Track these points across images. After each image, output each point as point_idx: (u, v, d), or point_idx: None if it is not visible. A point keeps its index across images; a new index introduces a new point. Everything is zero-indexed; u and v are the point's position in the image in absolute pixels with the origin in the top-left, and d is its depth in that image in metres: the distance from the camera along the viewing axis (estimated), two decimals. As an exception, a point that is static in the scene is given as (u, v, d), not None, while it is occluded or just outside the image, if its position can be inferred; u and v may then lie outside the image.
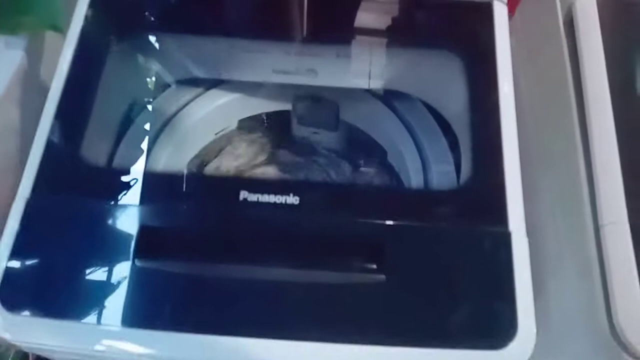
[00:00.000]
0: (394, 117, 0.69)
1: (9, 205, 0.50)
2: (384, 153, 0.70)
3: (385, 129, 0.69)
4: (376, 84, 0.67)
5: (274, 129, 0.74)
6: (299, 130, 0.73)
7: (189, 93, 0.70)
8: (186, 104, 0.71)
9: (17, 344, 0.47)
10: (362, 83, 0.67)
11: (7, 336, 0.45)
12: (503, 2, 0.60)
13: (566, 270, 0.55)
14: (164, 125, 0.68)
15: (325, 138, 0.72)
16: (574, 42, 0.61)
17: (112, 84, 0.59)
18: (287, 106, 0.72)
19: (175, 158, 0.68)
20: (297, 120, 0.72)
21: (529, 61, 0.71)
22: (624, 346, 0.46)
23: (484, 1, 0.60)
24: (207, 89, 0.71)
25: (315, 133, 0.73)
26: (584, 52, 0.59)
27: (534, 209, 0.52)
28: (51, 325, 0.45)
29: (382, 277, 0.46)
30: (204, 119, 0.72)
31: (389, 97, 0.68)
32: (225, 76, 0.69)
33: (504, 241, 0.48)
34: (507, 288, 0.46)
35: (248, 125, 0.74)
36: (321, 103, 0.70)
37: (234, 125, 0.73)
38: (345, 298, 0.46)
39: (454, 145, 0.59)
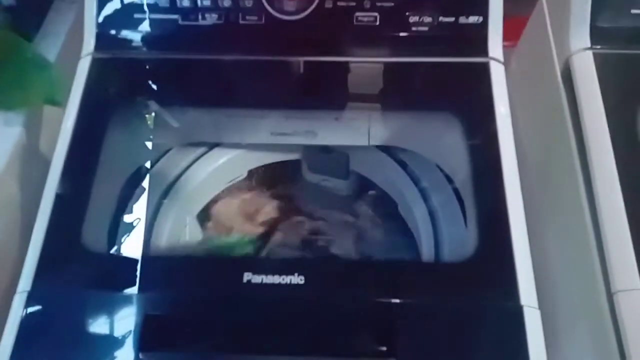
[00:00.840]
0: (401, 171, 0.68)
1: (11, 279, 0.49)
2: (394, 205, 0.69)
3: (394, 182, 0.69)
4: (376, 143, 0.66)
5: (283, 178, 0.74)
6: (310, 177, 0.73)
7: (190, 154, 0.70)
8: (189, 166, 0.70)
9: None
10: (362, 142, 0.67)
11: None
12: (500, 61, 0.60)
13: (580, 340, 0.53)
14: (167, 190, 0.68)
15: (335, 185, 0.72)
16: (572, 94, 0.61)
17: (112, 158, 0.59)
18: (293, 156, 0.72)
19: (180, 220, 0.68)
20: (308, 167, 0.72)
21: (528, 112, 0.71)
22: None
23: (480, 61, 0.60)
24: (210, 148, 0.71)
25: (325, 180, 0.73)
26: (584, 105, 0.59)
27: (543, 276, 0.51)
28: None
29: None
30: (207, 179, 0.71)
31: (397, 151, 0.68)
32: (224, 140, 0.69)
33: (516, 316, 0.47)
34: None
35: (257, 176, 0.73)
36: (332, 154, 0.70)
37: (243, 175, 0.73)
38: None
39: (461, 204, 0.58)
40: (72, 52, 0.67)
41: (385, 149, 0.68)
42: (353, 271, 0.51)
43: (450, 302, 0.47)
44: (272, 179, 0.74)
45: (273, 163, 0.73)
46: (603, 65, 0.60)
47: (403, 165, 0.67)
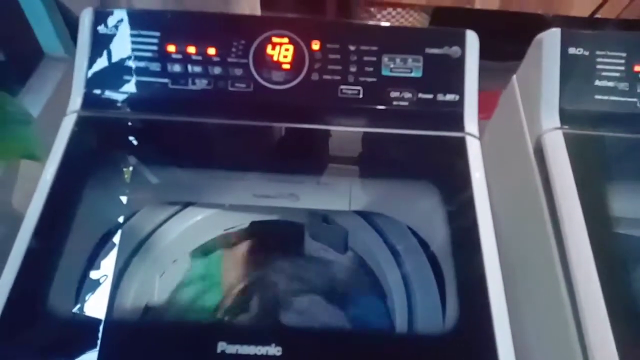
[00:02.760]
0: (378, 236, 0.69)
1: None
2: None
3: (370, 247, 0.69)
4: (356, 208, 0.67)
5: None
6: (311, 245, 0.73)
7: (164, 212, 0.69)
8: (162, 223, 0.69)
9: None
10: (343, 207, 0.67)
11: None
12: (475, 136, 0.63)
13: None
14: (137, 248, 0.66)
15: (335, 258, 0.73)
16: (544, 169, 0.64)
17: (88, 215, 0.58)
18: (269, 217, 0.72)
19: (149, 278, 0.66)
20: (310, 234, 0.72)
21: (501, 184, 0.73)
22: None
23: (457, 136, 0.63)
24: (184, 206, 0.70)
25: (324, 250, 0.73)
26: (556, 181, 0.61)
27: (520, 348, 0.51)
28: None
29: None
30: (179, 238, 0.70)
31: (374, 217, 0.69)
32: (205, 200, 0.69)
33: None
34: None
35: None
36: (332, 225, 0.71)
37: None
38: None
39: (438, 276, 0.59)
40: (57, 109, 0.67)
41: (363, 214, 0.69)
42: (330, 343, 0.50)
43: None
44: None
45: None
46: (573, 144, 0.63)
47: (379, 231, 0.68)
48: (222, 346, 0.47)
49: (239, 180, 0.66)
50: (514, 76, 0.76)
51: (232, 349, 0.47)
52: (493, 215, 0.59)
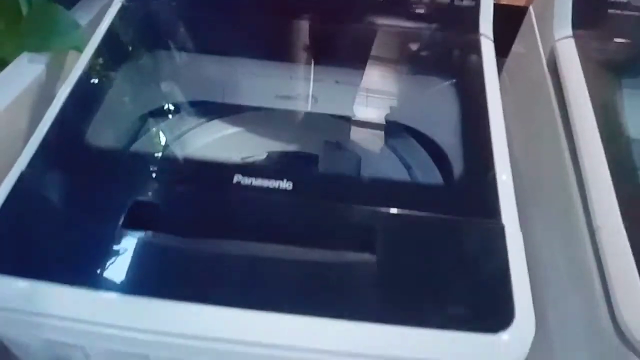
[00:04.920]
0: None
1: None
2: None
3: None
4: (373, 110, 0.70)
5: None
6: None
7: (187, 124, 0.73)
8: (181, 135, 0.73)
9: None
10: (359, 110, 0.71)
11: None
12: (489, 38, 0.66)
13: (562, 277, 0.53)
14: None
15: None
16: (557, 80, 0.66)
17: (121, 90, 0.63)
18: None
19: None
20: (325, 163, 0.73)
21: (516, 101, 0.75)
22: (630, 345, 0.43)
23: (472, 38, 0.66)
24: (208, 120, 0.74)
25: None
26: (569, 89, 0.63)
27: (527, 221, 0.51)
28: (24, 285, 0.43)
29: (373, 257, 0.45)
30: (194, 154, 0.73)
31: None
32: (229, 100, 0.73)
33: (498, 232, 0.47)
34: (502, 274, 0.44)
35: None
36: (347, 152, 0.71)
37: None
38: (338, 276, 0.44)
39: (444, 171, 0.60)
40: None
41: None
42: (341, 182, 0.53)
43: (432, 216, 0.48)
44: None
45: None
46: (585, 52, 0.65)
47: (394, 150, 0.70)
48: (237, 178, 0.50)
49: (263, 77, 0.70)
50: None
51: (246, 180, 0.50)
52: (507, 132, 0.60)
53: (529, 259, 0.47)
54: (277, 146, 0.75)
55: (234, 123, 0.74)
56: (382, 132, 0.71)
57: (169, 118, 0.71)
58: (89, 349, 0.46)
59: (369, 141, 0.73)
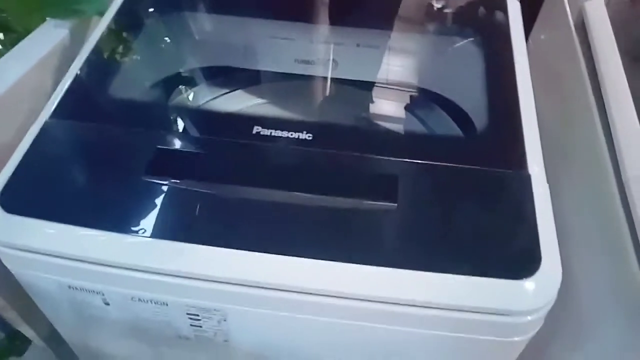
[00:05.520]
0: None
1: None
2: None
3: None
4: (395, 74, 0.69)
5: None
6: None
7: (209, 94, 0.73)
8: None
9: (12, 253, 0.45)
10: (380, 74, 0.69)
11: (6, 238, 0.43)
12: (516, -1, 0.64)
13: (590, 231, 0.51)
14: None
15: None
16: (587, 41, 0.64)
17: (140, 54, 0.63)
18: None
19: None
20: None
21: (545, 65, 0.73)
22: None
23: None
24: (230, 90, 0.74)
25: None
26: (598, 49, 0.61)
27: (555, 179, 0.50)
28: (49, 228, 0.43)
29: (395, 205, 0.44)
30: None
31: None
32: (250, 65, 0.73)
33: (524, 181, 0.46)
34: (528, 222, 0.43)
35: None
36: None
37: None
38: (357, 222, 0.43)
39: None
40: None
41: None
42: (362, 133, 0.52)
43: (457, 166, 0.47)
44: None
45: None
46: (614, 12, 0.63)
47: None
48: (257, 129, 0.50)
49: (283, 40, 0.70)
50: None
51: (266, 131, 0.50)
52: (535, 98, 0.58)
53: (556, 214, 0.46)
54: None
55: (256, 94, 0.74)
56: (404, 98, 0.70)
57: (189, 85, 0.71)
58: (108, 295, 0.47)
59: (391, 110, 0.72)
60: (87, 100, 0.54)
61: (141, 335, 0.51)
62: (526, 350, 0.47)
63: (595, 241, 0.50)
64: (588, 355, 0.53)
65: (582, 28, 0.65)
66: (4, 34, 0.74)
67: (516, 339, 0.43)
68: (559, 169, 0.63)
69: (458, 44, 0.64)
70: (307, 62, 0.71)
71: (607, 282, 0.48)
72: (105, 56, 0.59)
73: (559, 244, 0.43)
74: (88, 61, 0.57)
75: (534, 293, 0.40)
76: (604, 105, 0.55)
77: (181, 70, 0.70)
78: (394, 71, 0.69)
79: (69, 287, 0.47)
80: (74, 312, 0.50)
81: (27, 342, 0.67)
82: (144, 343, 0.53)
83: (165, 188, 0.45)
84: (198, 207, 0.44)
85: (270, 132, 0.50)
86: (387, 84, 0.70)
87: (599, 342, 0.51)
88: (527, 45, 0.63)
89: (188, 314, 0.46)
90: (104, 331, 0.53)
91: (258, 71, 0.72)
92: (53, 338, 0.65)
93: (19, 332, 0.65)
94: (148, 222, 0.43)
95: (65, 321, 0.55)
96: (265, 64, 0.72)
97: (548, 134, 0.59)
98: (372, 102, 0.71)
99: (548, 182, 0.47)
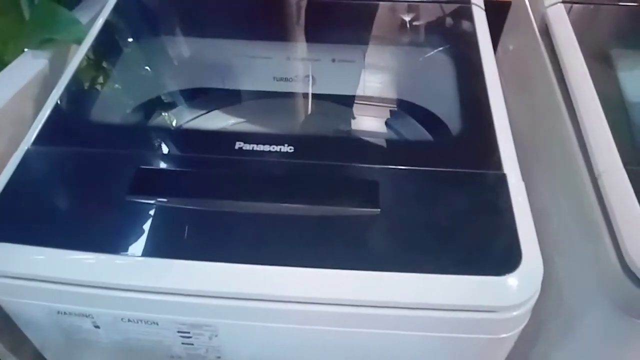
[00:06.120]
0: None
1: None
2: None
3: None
4: (370, 87, 0.71)
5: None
6: None
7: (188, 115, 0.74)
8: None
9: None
10: (357, 87, 0.71)
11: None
12: (481, 7, 0.67)
13: (568, 225, 0.53)
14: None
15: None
16: (551, 45, 0.67)
17: (119, 78, 0.64)
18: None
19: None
20: None
21: (514, 70, 0.76)
22: (637, 281, 0.43)
23: (464, 6, 0.67)
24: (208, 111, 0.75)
25: None
26: (563, 52, 0.64)
27: (530, 178, 0.52)
28: (35, 253, 0.43)
29: (377, 211, 0.45)
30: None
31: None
32: (228, 85, 0.74)
33: (500, 180, 0.48)
34: (506, 219, 0.45)
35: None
36: None
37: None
38: (342, 229, 0.44)
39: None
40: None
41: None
42: (342, 144, 0.53)
43: (435, 170, 0.49)
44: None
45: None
46: (576, 16, 0.66)
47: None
48: (239, 144, 0.51)
49: (261, 59, 0.71)
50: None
51: (248, 146, 0.51)
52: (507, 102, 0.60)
53: (534, 211, 0.47)
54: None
55: (235, 113, 0.75)
56: (381, 109, 0.72)
57: (169, 108, 0.72)
58: (97, 318, 0.46)
59: (369, 121, 0.73)
60: (68, 127, 0.54)
61: (132, 357, 0.51)
62: (514, 349, 0.48)
63: (574, 234, 0.52)
64: (574, 348, 0.54)
65: (546, 33, 0.68)
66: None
67: (504, 335, 0.44)
68: (534, 168, 0.65)
69: (429, 54, 0.66)
70: (286, 80, 0.72)
71: (589, 273, 0.49)
72: (84, 84, 0.60)
73: (539, 239, 0.44)
74: (67, 89, 0.58)
75: (518, 288, 0.41)
76: (572, 105, 0.58)
77: (160, 94, 0.71)
78: (370, 84, 0.72)
79: (58, 312, 0.47)
80: (64, 337, 0.50)
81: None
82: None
83: (149, 207, 0.46)
84: (183, 223, 0.45)
85: (252, 147, 0.51)
86: (364, 96, 0.72)
87: (584, 334, 0.52)
88: (496, 52, 0.66)
89: (179, 331, 0.46)
90: (94, 355, 0.53)
91: (237, 90, 0.73)
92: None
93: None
94: (134, 242, 0.44)
95: (55, 348, 0.55)
96: (244, 84, 0.74)
97: (520, 135, 0.62)
98: (350, 114, 0.73)
99: (523, 180, 0.49)
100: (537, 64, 0.69)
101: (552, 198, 0.58)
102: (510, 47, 0.81)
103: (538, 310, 0.44)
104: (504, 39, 0.86)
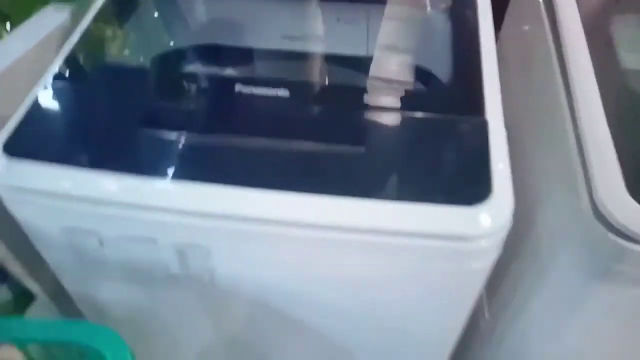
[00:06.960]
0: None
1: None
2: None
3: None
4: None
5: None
6: None
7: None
8: None
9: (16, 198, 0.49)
10: (361, 48, 0.74)
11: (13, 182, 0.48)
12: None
13: (550, 174, 0.55)
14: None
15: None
16: (553, 17, 0.68)
17: (136, 27, 0.69)
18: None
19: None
20: None
21: (517, 46, 0.77)
22: (608, 224, 0.45)
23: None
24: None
25: None
26: (563, 23, 0.65)
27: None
28: (52, 170, 0.48)
29: (363, 147, 0.48)
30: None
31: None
32: (237, 41, 0.77)
33: (481, 126, 0.50)
34: (481, 157, 0.47)
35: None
36: None
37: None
38: (332, 163, 0.48)
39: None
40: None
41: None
42: (336, 90, 0.57)
43: (420, 114, 0.51)
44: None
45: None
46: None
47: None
48: (239, 87, 0.55)
49: (269, 20, 0.75)
50: None
51: (247, 89, 0.55)
52: (504, 69, 0.62)
53: (522, 165, 0.49)
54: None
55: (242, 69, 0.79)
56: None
57: (178, 59, 0.76)
58: (103, 234, 0.51)
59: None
60: (83, 66, 0.59)
61: (134, 276, 0.55)
62: (495, 299, 0.50)
63: (554, 185, 0.54)
64: (549, 297, 0.57)
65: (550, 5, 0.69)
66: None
67: (474, 265, 0.47)
68: (525, 123, 0.67)
69: (427, 15, 0.68)
70: (293, 39, 0.75)
71: (564, 220, 0.52)
72: (100, 31, 0.64)
73: (522, 190, 0.47)
74: (86, 33, 0.62)
75: (486, 218, 0.44)
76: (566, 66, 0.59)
77: (170, 48, 0.75)
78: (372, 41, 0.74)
79: (66, 228, 0.52)
80: (73, 256, 0.55)
81: (31, 299, 0.72)
82: (139, 286, 0.58)
83: (157, 135, 0.50)
84: (185, 150, 0.49)
85: (251, 90, 0.54)
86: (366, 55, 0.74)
87: (556, 281, 0.55)
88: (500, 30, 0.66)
89: (176, 250, 0.51)
90: (101, 276, 0.58)
91: (245, 48, 0.77)
92: (58, 293, 0.70)
93: (25, 289, 0.70)
94: (138, 164, 0.48)
95: (67, 268, 0.60)
96: (254, 42, 0.77)
97: (519, 111, 0.63)
98: (347, 68, 0.76)
99: (516, 135, 0.51)
100: (539, 39, 0.70)
101: (536, 145, 0.60)
102: (514, 20, 0.82)
103: (517, 258, 0.47)
104: (509, 11, 0.87)
